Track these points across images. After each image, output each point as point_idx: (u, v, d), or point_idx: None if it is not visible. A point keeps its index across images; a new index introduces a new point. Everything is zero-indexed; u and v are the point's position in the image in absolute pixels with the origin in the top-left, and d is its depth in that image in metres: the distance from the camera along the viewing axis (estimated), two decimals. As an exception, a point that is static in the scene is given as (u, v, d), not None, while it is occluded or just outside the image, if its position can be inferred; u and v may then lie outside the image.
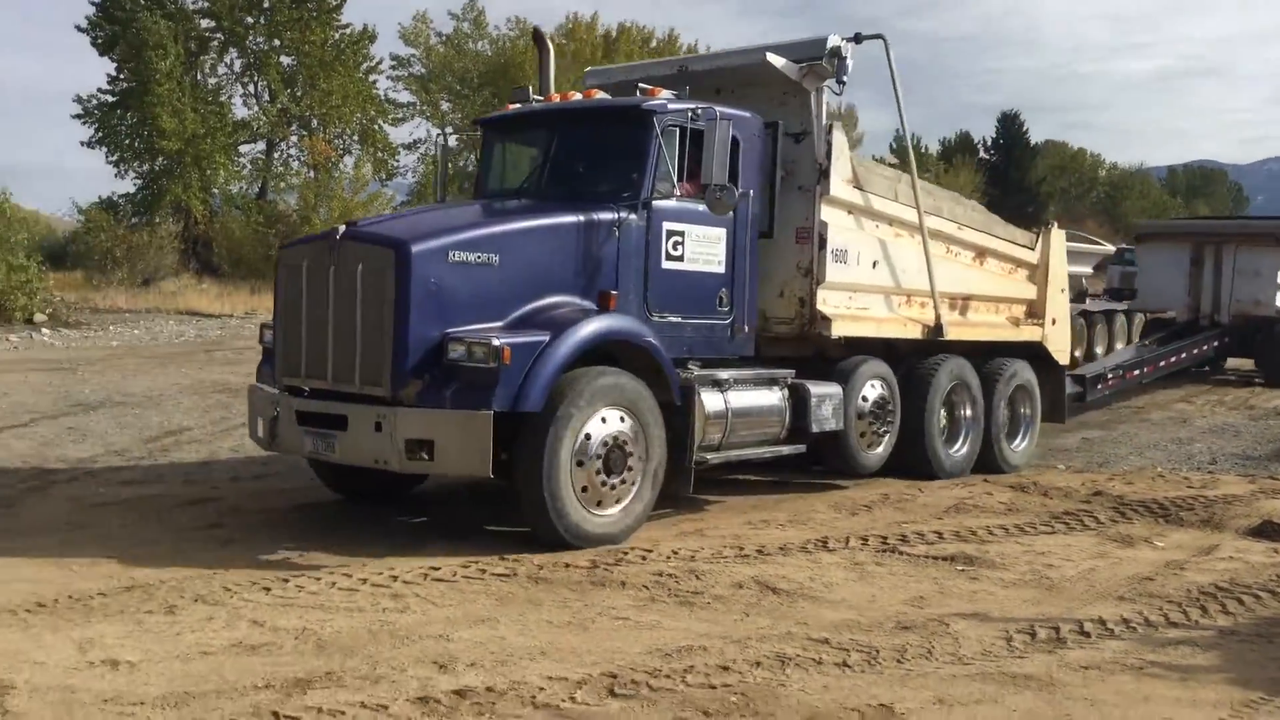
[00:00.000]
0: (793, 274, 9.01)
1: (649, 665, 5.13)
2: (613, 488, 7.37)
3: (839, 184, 9.08)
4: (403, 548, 7.24)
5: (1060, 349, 12.01)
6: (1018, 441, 11.30)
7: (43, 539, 7.29)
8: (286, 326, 7.73)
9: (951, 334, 10.19)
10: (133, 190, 39.09)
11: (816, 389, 8.84)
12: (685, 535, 7.85)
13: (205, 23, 39.32)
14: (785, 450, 8.80)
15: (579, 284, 7.65)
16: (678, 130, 8.12)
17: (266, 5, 38.14)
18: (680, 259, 8.17)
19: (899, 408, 9.71)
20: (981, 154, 68.36)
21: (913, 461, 9.99)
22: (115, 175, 39.34)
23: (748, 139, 8.52)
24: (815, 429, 8.80)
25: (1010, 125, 68.88)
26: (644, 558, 7.14)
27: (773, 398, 8.63)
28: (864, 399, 9.41)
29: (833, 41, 8.91)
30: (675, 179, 8.11)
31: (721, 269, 8.42)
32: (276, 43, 39.95)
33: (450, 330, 7.02)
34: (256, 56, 40.00)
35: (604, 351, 7.52)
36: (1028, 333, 11.49)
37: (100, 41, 37.52)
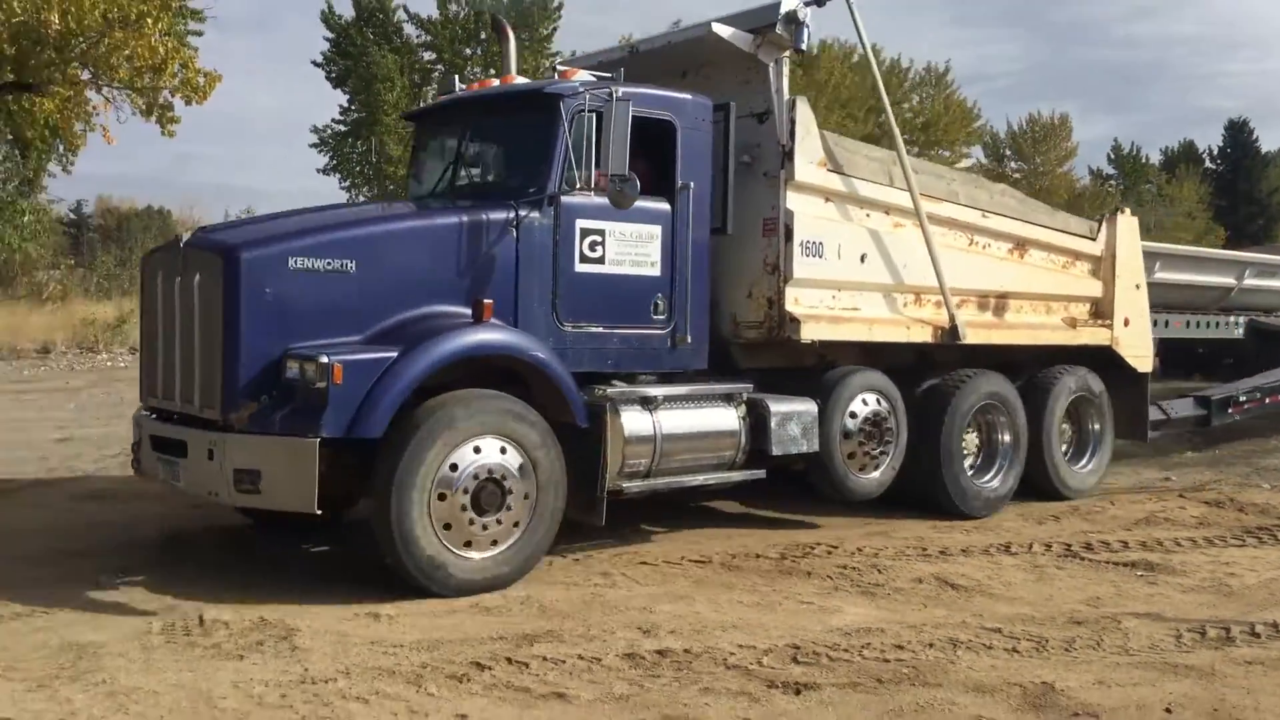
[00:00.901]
0: (759, 272, 7.93)
1: (829, 641, 5.67)
2: (485, 527, 6.38)
3: (807, 167, 7.96)
4: (610, 538, 7.98)
5: (1137, 354, 10.39)
6: (1084, 462, 9.99)
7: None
8: (145, 342, 7.22)
9: (975, 337, 8.91)
10: (349, 215, 42.08)
11: (779, 406, 7.73)
12: (871, 535, 8.26)
13: (427, 55, 41.92)
14: (738, 476, 7.69)
15: (464, 292, 6.74)
16: (594, 116, 7.07)
17: (483, 37, 40.40)
18: (599, 260, 7.20)
19: (902, 426, 8.45)
20: (1207, 164, 64.86)
21: (929, 492, 8.76)
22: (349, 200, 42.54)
23: (690, 124, 7.52)
24: (777, 451, 7.69)
25: (1238, 133, 64.99)
26: (829, 552, 7.66)
27: (722, 417, 7.57)
28: (851, 415, 8.17)
29: (787, 5, 7.83)
30: (593, 171, 7.07)
31: (656, 271, 7.40)
32: (491, 71, 41.99)
33: (294, 346, 6.22)
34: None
35: (502, 369, 6.72)
36: (1090, 335, 10.02)
37: (334, 76, 40.61)
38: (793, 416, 7.83)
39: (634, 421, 7.08)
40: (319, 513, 6.05)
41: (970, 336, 8.88)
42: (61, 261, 31.51)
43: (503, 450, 6.46)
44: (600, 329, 7.28)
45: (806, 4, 7.92)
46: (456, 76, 8.76)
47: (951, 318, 8.69)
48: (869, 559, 7.49)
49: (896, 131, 8.98)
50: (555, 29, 40.43)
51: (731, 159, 7.88)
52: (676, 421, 7.31)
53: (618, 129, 6.88)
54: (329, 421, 6.03)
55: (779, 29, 7.87)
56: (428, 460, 6.18)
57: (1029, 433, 9.34)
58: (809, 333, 7.95)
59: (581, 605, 6.28)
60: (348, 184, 41.29)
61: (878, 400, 8.38)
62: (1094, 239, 10.21)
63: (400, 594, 6.31)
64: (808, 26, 7.94)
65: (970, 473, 8.99)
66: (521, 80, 8.15)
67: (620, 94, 6.91)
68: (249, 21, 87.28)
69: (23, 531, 7.86)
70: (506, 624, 5.90)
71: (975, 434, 9.08)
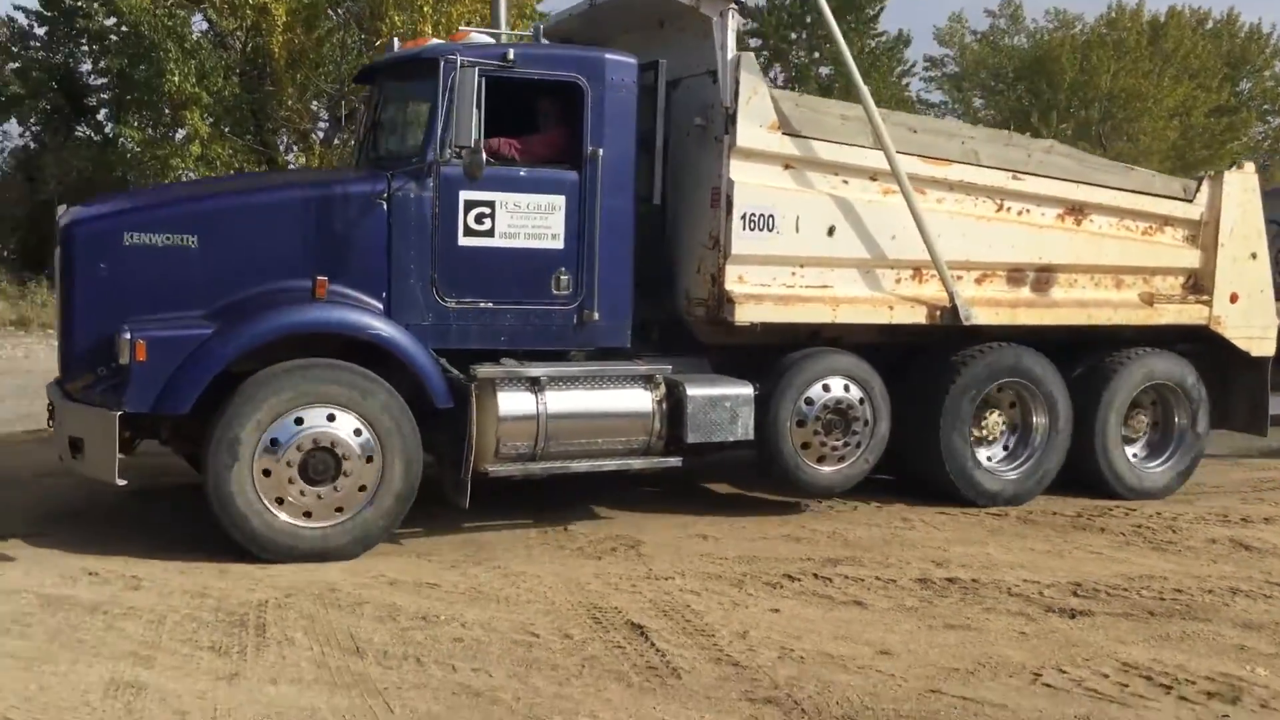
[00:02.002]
0: (705, 246, 7.43)
1: (1110, 582, 6.29)
2: (319, 497, 6.39)
3: (754, 131, 7.27)
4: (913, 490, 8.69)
5: (1250, 335, 8.93)
6: (1161, 461, 8.77)
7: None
8: None
9: (993, 317, 8.00)
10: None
11: (699, 389, 7.18)
12: (1172, 503, 8.56)
13: (754, 42, 43.19)
14: (639, 463, 7.21)
15: (320, 268, 6.61)
16: (485, 81, 6.65)
17: (808, 21, 41.10)
18: (488, 233, 6.88)
19: (881, 415, 7.70)
20: None
21: (934, 481, 8.11)
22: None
23: (604, 85, 7.03)
24: (695, 438, 7.15)
25: None
26: (1127, 514, 8.07)
27: (631, 399, 7.09)
28: (807, 402, 7.51)
29: None
30: (481, 138, 6.57)
31: (559, 244, 7.01)
32: (816, 55, 42.76)
33: (129, 322, 6.23)
34: (798, 69, 43.10)
35: (364, 346, 6.59)
36: (1177, 313, 8.72)
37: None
38: (717, 401, 7.24)
39: (511, 402, 6.77)
40: (120, 483, 6.23)
41: (984, 317, 7.95)
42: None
43: (330, 417, 6.40)
44: (490, 305, 6.98)
45: None
46: (395, 38, 8.22)
47: (951, 295, 7.79)
48: (1166, 521, 7.88)
49: (858, 82, 7.73)
50: (882, 9, 40.42)
51: (660, 122, 7.41)
52: (568, 403, 6.93)
53: (464, 96, 6.44)
54: (132, 397, 6.15)
55: None
56: (246, 430, 6.24)
57: (1079, 422, 8.36)
58: (746, 314, 7.33)
59: (881, 541, 7.17)
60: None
61: (845, 387, 7.63)
62: (1190, 201, 8.84)
63: (726, 520, 7.46)
64: None
65: (986, 459, 8.20)
66: (435, 41, 7.75)
67: (464, 60, 6.50)
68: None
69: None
70: (814, 550, 6.93)
71: (1000, 415, 8.25)
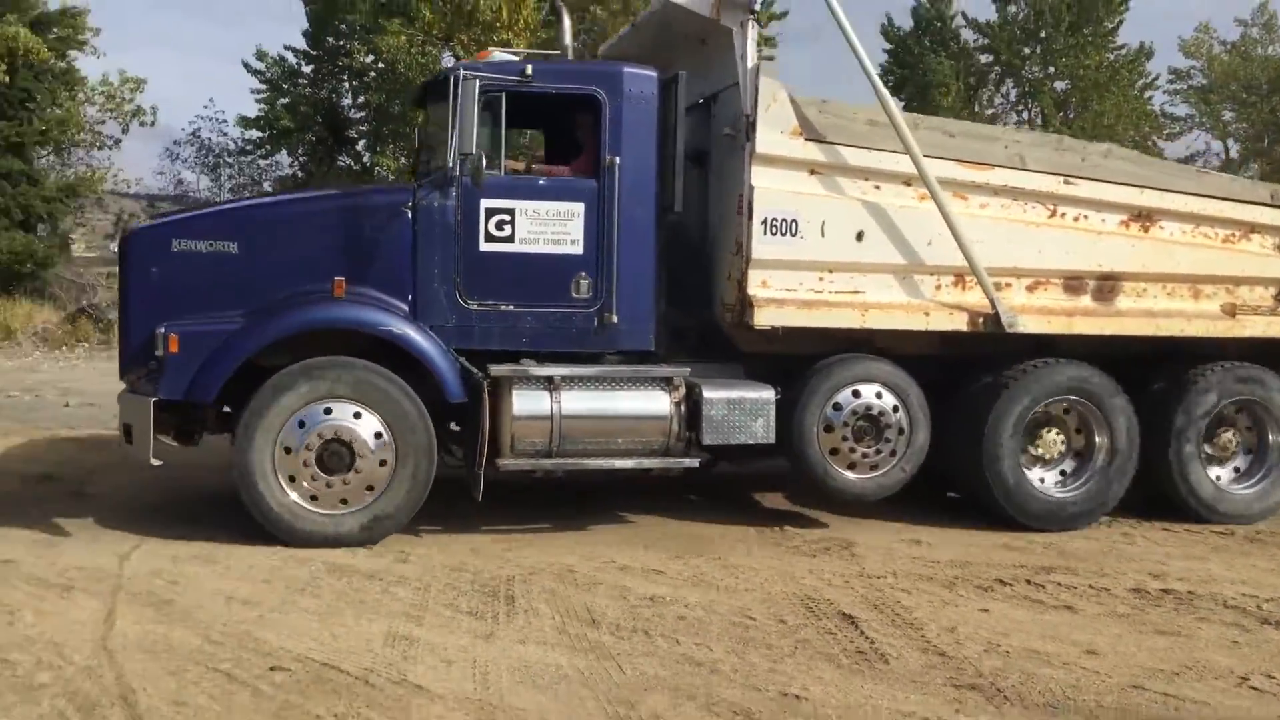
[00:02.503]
0: (732, 253, 7.57)
1: (1339, 603, 6.16)
2: (330, 485, 6.88)
3: (774, 137, 7.39)
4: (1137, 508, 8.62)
5: None
6: (1253, 483, 8.30)
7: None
8: None
9: (1044, 326, 7.82)
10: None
11: (716, 392, 7.36)
12: None
13: (984, 58, 42.22)
14: (673, 464, 7.40)
15: (349, 272, 7.14)
16: (502, 96, 7.19)
17: (1043, 35, 39.92)
18: (508, 239, 7.25)
19: (919, 424, 7.60)
20: None
21: (983, 502, 7.91)
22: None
23: (623, 97, 7.36)
24: (711, 440, 7.36)
25: None
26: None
27: (648, 401, 7.31)
28: (835, 408, 7.52)
29: None
30: (503, 151, 7.32)
31: (578, 250, 7.33)
32: (1051, 70, 41.43)
33: (168, 319, 6.91)
34: (1031, 85, 41.86)
35: (387, 347, 7.07)
36: (1266, 326, 8.27)
37: (890, 85, 42.42)
38: (736, 404, 7.40)
39: (526, 400, 7.11)
40: (156, 462, 6.88)
41: (1034, 326, 7.78)
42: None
43: (356, 415, 6.92)
44: (511, 307, 7.33)
45: None
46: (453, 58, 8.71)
47: (992, 302, 7.64)
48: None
49: (879, 87, 7.70)
50: (1121, 21, 38.86)
51: (680, 132, 7.54)
52: (584, 403, 7.21)
53: (464, 107, 6.94)
54: (165, 386, 6.81)
55: None
56: (269, 419, 6.82)
57: (1154, 443, 8.02)
58: (765, 318, 7.42)
59: (1099, 553, 7.28)
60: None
61: (877, 394, 7.61)
62: (1278, 207, 8.41)
63: (941, 529, 7.70)
64: None
65: (1040, 480, 7.93)
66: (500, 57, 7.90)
67: (465, 74, 7.05)
68: (803, 36, 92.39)
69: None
70: (1028, 558, 7.11)
71: (1058, 434, 7.97)
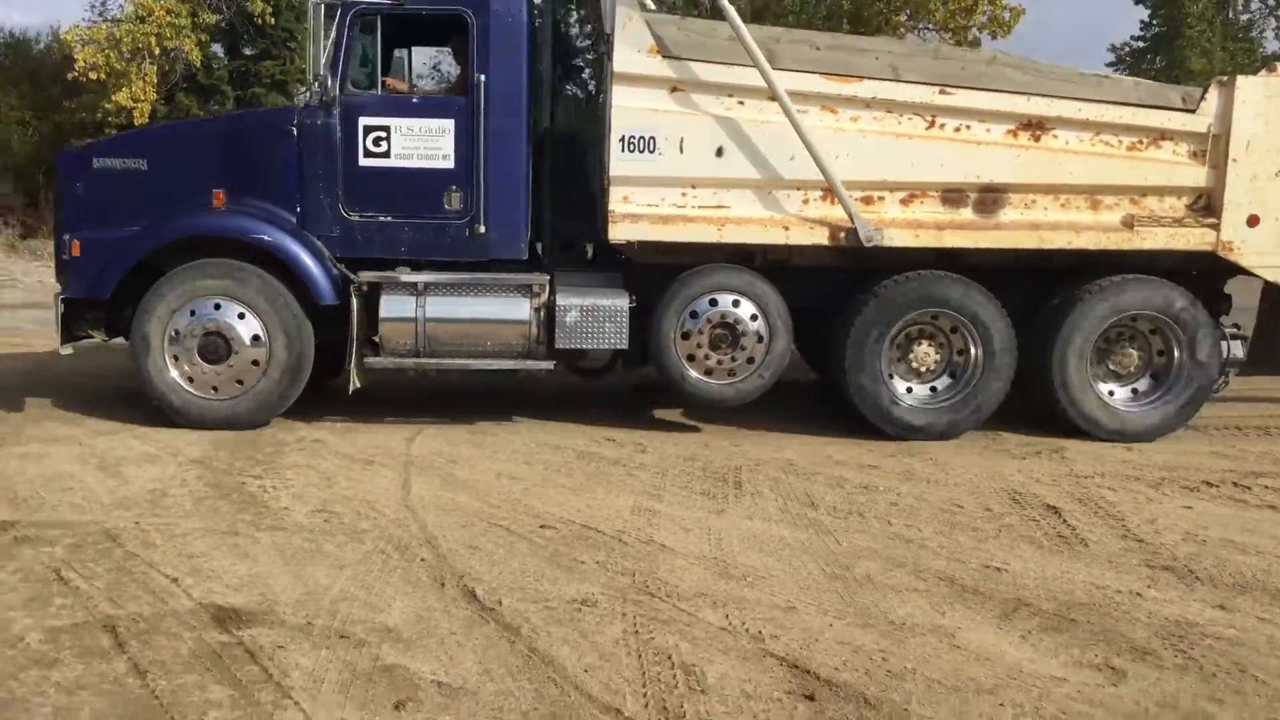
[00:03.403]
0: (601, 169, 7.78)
1: None
2: (218, 373, 7.67)
3: (631, 56, 7.50)
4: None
5: (1274, 263, 7.89)
6: (1152, 400, 7.97)
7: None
8: None
9: (909, 240, 7.71)
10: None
11: (570, 299, 7.72)
12: None
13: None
14: (530, 365, 7.85)
15: (242, 186, 7.79)
16: (378, 20, 7.68)
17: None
18: (384, 155, 7.71)
19: (778, 332, 7.73)
20: None
21: (856, 413, 7.96)
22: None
23: (492, 16, 7.65)
24: (563, 344, 7.76)
25: None
26: None
27: (509, 307, 7.76)
28: (693, 315, 7.73)
29: None
30: (380, 72, 7.88)
31: (450, 165, 7.72)
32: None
33: (90, 229, 7.79)
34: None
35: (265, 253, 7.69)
36: (1169, 238, 7.79)
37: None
38: (589, 310, 7.72)
39: (394, 304, 7.70)
40: (65, 351, 7.88)
41: (902, 239, 7.71)
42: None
43: (242, 315, 7.66)
44: (389, 219, 7.81)
45: None
46: None
47: (850, 217, 7.60)
48: None
49: (728, 9, 7.54)
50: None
51: (547, 52, 7.94)
52: (447, 308, 7.73)
53: (338, 30, 7.49)
54: (70, 285, 7.82)
55: None
56: (156, 315, 7.62)
57: (1040, 360, 7.88)
58: (619, 233, 7.66)
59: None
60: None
61: (734, 302, 7.76)
62: (1192, 111, 7.77)
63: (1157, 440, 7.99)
64: None
65: (908, 391, 7.96)
66: None
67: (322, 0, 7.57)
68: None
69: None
70: (1239, 464, 7.38)
71: (930, 347, 7.93)
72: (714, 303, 7.81)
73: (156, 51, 23.30)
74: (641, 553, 5.38)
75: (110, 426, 7.70)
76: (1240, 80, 7.77)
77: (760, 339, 7.81)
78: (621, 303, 7.79)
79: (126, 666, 3.99)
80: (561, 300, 7.76)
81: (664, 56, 7.58)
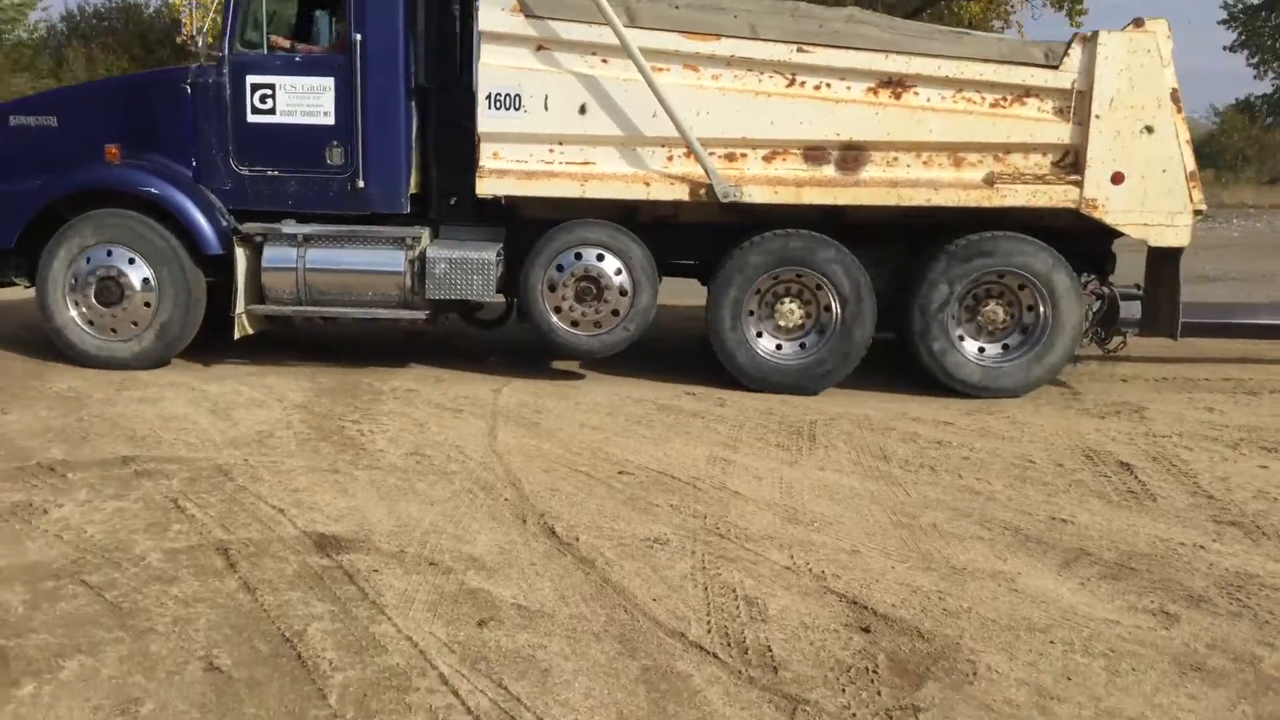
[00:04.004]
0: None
1: None
2: (113, 318, 8.16)
3: (496, 15, 7.73)
4: None
5: (1149, 221, 7.74)
6: (1014, 357, 7.98)
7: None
8: None
9: (768, 197, 7.83)
10: (1270, 91, 39.81)
11: (438, 251, 8.04)
12: None
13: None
14: (405, 314, 8.23)
15: (143, 142, 8.22)
16: None
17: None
18: (270, 112, 8.04)
19: (642, 287, 7.98)
20: None
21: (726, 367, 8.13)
22: (1254, 77, 40.40)
23: None
24: (434, 294, 8.03)
25: None
26: None
27: (385, 258, 8.09)
28: (559, 268, 8.00)
29: None
30: (265, 32, 8.10)
31: (330, 121, 8.01)
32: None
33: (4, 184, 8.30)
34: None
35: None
36: (1030, 195, 7.76)
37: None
38: (457, 263, 7.99)
39: (275, 255, 8.06)
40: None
41: (762, 196, 7.83)
42: None
43: (131, 260, 8.13)
44: (276, 173, 8.13)
45: None
46: None
47: (707, 172, 7.71)
48: None
49: None
50: None
51: (420, 11, 8.13)
52: (325, 258, 8.07)
53: None
54: None
55: None
56: (58, 260, 8.12)
57: (903, 313, 8.05)
58: (486, 188, 7.96)
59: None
60: (1255, 60, 39.14)
61: (598, 256, 8.00)
62: (1055, 67, 7.67)
63: (1240, 397, 8.07)
64: None
65: (776, 348, 8.14)
66: None
67: None
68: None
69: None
70: None
71: (795, 304, 8.08)
72: (579, 256, 8.04)
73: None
74: (714, 498, 5.62)
75: (220, 373, 8.18)
76: (1103, 35, 7.65)
77: (624, 292, 8.04)
78: (489, 255, 8.03)
79: (237, 584, 4.39)
80: (431, 253, 8.05)
81: (527, 15, 7.78)
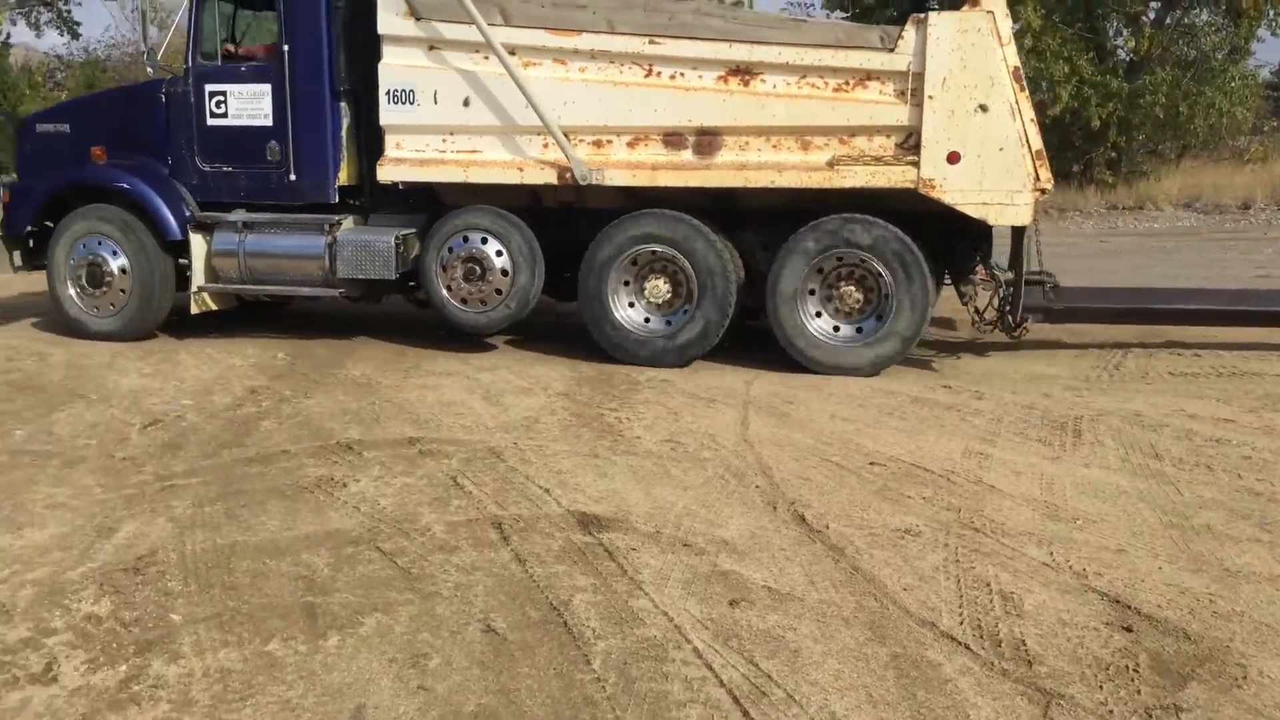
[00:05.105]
0: None
1: None
2: (99, 297, 9.50)
3: (391, 19, 8.64)
4: None
5: (987, 200, 7.74)
6: (869, 338, 8.21)
7: None
8: None
9: (627, 180, 8.37)
10: None
11: (347, 235, 8.93)
12: None
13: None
14: (323, 292, 9.23)
15: (132, 144, 9.53)
16: (220, 2, 9.23)
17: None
18: (224, 115, 9.11)
19: (521, 267, 8.69)
20: None
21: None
22: None
23: None
24: (343, 274, 8.91)
25: None
26: None
27: (308, 242, 9.02)
28: (449, 250, 8.83)
29: None
30: (220, 43, 9.21)
31: (269, 122, 8.99)
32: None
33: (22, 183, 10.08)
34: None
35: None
36: (869, 176, 7.93)
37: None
38: (361, 245, 8.83)
39: (221, 240, 9.23)
40: (17, 272, 10.10)
41: (621, 179, 8.37)
42: (1264, 124, 32.61)
43: (115, 252, 9.40)
44: (230, 169, 9.24)
45: None
46: None
47: (568, 158, 8.34)
48: None
49: None
50: None
51: (334, 20, 8.88)
52: (260, 243, 9.13)
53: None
54: (5, 224, 9.83)
55: None
56: (61, 249, 9.52)
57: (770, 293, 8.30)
58: (385, 174, 8.87)
59: None
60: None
61: (482, 240, 8.74)
62: (891, 50, 7.79)
63: None
64: None
65: (645, 322, 8.67)
66: None
67: None
68: None
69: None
70: None
71: (661, 281, 8.58)
72: (465, 240, 8.79)
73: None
74: (969, 491, 5.55)
75: (490, 363, 8.74)
76: (933, 17, 7.76)
77: (505, 273, 8.75)
78: (386, 239, 8.81)
79: (510, 555, 4.74)
80: (340, 237, 8.94)
81: (417, 19, 8.59)
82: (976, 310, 8.75)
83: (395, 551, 4.80)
